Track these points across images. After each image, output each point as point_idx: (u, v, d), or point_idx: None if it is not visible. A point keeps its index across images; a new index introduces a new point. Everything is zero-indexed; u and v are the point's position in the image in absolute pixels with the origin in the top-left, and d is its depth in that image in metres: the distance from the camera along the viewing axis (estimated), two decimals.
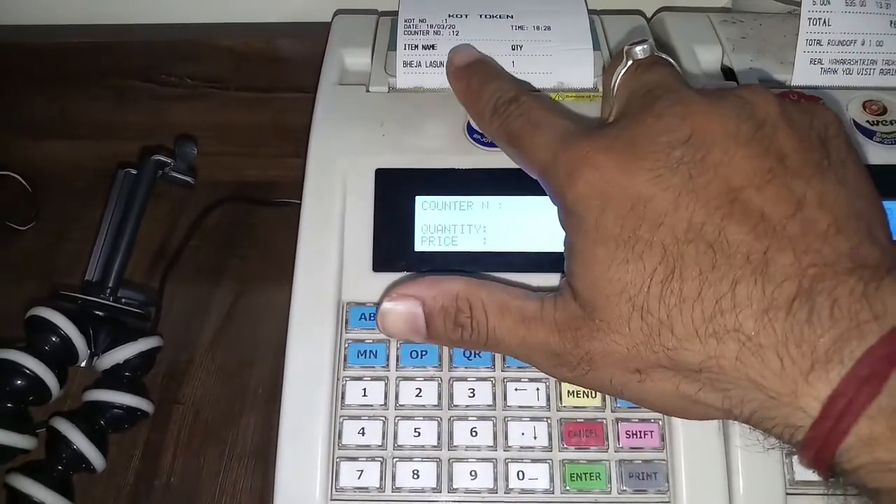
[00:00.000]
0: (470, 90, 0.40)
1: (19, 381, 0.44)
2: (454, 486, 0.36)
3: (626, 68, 0.35)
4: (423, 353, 0.39)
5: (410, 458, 0.37)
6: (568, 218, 0.33)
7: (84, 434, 0.43)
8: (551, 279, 0.40)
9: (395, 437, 0.37)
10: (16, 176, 0.58)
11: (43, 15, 0.59)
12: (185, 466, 0.47)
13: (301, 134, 0.44)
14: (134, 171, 0.50)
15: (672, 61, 0.35)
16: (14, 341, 0.46)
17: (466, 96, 0.41)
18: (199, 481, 0.46)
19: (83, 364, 0.47)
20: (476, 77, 0.40)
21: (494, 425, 0.37)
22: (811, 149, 0.30)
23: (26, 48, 0.57)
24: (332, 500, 0.36)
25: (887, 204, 0.40)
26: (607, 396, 0.38)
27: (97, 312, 0.47)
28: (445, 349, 0.39)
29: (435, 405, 0.38)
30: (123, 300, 0.48)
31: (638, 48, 0.35)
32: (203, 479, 0.47)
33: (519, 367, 0.38)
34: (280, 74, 0.59)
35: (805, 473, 0.36)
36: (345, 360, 0.39)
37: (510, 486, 0.36)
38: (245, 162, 0.61)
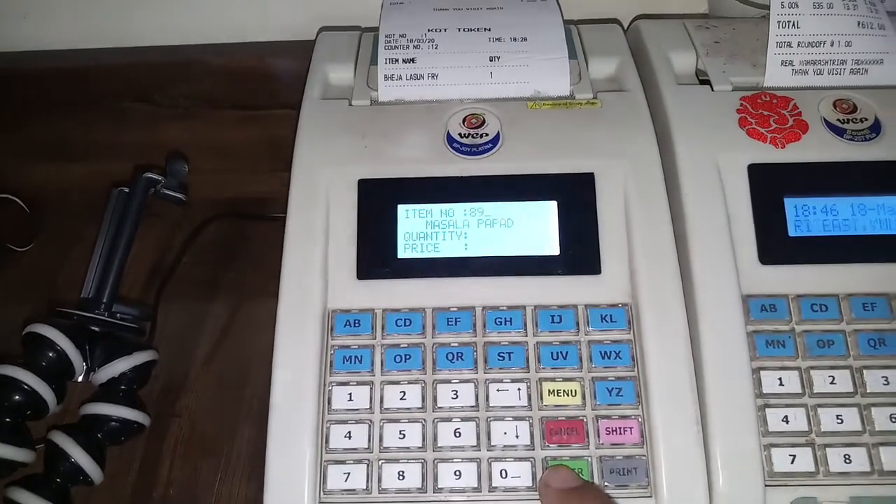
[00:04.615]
0: None
1: (17, 396, 0.45)
2: (439, 486, 0.37)
3: None
4: (407, 357, 0.40)
5: (396, 460, 0.38)
6: None
7: (82, 447, 0.44)
8: (531, 283, 0.41)
9: (381, 440, 0.38)
10: (14, 198, 0.60)
11: (38, 41, 0.61)
12: (182, 478, 0.48)
13: (292, 150, 0.45)
14: (127, 190, 0.51)
15: None
16: (15, 359, 0.46)
17: None
18: (195, 492, 0.47)
19: (80, 378, 0.48)
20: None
21: (477, 426, 0.38)
22: None
23: (23, 73, 0.59)
24: (320, 502, 0.37)
25: (859, 200, 0.41)
26: (587, 394, 0.38)
27: (92, 328, 0.48)
28: (429, 352, 0.40)
29: (419, 407, 0.39)
30: (118, 315, 0.49)
31: None
32: (199, 490, 0.47)
33: (501, 369, 0.39)
34: (272, 92, 0.61)
35: (783, 465, 0.37)
36: (331, 365, 0.40)
37: (494, 485, 0.37)
38: (239, 178, 0.62)
